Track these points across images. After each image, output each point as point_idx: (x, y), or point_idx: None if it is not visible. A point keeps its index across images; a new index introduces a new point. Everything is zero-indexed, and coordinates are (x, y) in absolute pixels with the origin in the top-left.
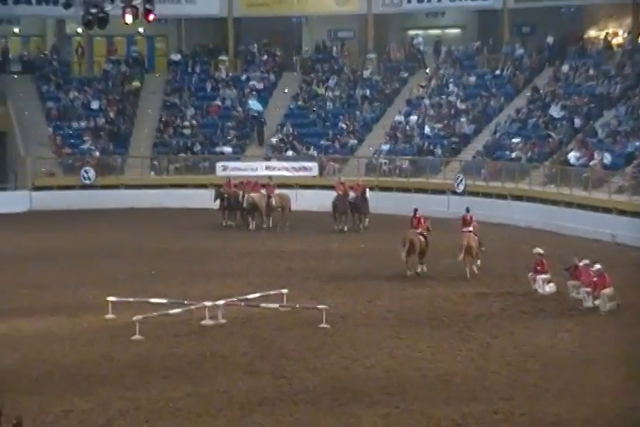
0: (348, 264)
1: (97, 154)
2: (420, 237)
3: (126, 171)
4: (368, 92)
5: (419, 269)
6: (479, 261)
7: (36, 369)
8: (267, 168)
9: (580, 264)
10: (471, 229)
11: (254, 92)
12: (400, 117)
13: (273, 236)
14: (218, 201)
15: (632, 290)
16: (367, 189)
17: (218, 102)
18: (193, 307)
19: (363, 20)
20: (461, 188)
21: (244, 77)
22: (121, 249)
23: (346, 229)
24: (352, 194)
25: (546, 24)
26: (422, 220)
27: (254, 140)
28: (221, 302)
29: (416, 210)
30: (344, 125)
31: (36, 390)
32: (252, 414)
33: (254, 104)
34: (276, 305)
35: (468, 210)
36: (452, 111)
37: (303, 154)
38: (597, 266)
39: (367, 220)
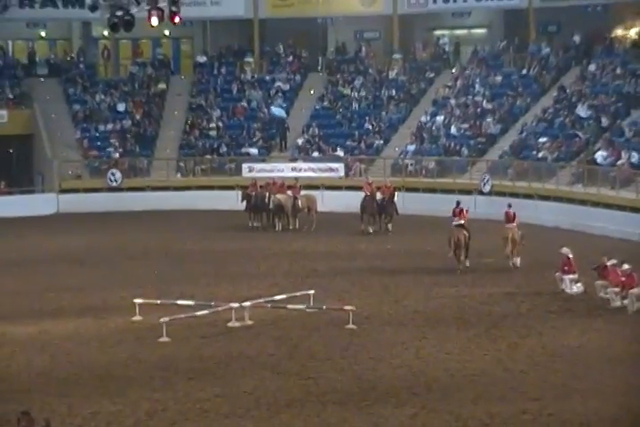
0: (374, 265)
1: (117, 155)
2: (465, 233)
3: (152, 173)
4: (394, 93)
5: (467, 264)
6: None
7: (64, 371)
8: (293, 169)
9: (608, 264)
10: (514, 224)
11: (279, 94)
12: (426, 118)
13: (299, 237)
14: (244, 202)
15: None
16: (396, 193)
17: (243, 104)
18: (220, 308)
19: (388, 21)
20: (488, 188)
21: (269, 78)
22: (147, 251)
23: (371, 230)
24: (379, 195)
25: (572, 23)
26: (465, 211)
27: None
28: (248, 303)
29: (458, 202)
30: (370, 126)
31: (64, 392)
32: (280, 414)
33: (277, 110)
34: (303, 306)
35: (509, 206)
36: (479, 111)
37: (329, 155)
38: (625, 266)
39: (390, 224)
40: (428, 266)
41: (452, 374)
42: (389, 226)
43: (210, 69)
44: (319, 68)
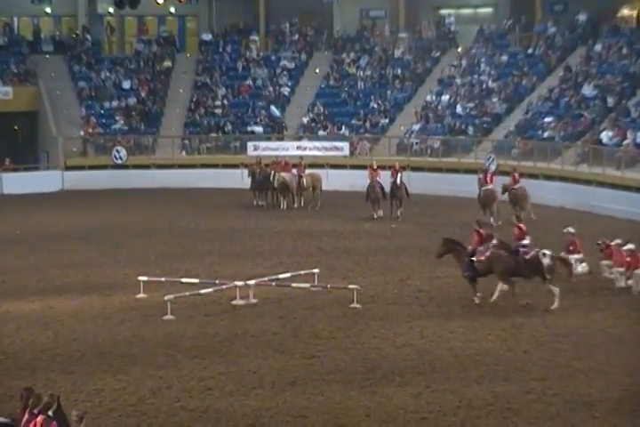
0: (378, 244)
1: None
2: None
3: (157, 151)
4: (399, 72)
5: (499, 222)
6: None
7: (68, 348)
8: (297, 148)
9: (613, 244)
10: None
11: (285, 72)
12: (431, 97)
13: (304, 215)
14: (250, 180)
15: None
16: (399, 174)
17: (249, 82)
18: (224, 287)
19: None
20: (493, 167)
21: (274, 57)
22: (152, 229)
23: (375, 216)
24: (390, 179)
25: (578, 2)
26: (492, 177)
27: (285, 120)
28: (252, 281)
29: (486, 170)
30: (375, 105)
31: (68, 369)
32: (284, 393)
33: (274, 111)
34: (307, 285)
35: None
36: (484, 91)
37: (334, 134)
38: (630, 246)
39: (400, 210)
40: (432, 245)
41: (456, 353)
42: (399, 212)
43: (215, 47)
44: (325, 46)
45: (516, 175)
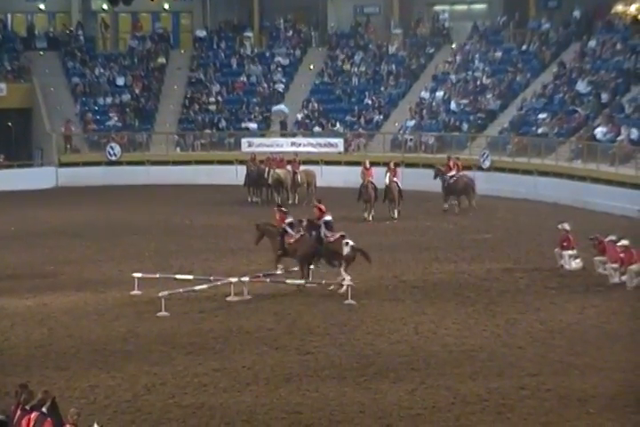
0: (373, 240)
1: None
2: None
3: (152, 147)
4: (394, 68)
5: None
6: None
7: (62, 344)
8: (292, 144)
9: (607, 240)
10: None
11: (279, 69)
12: (426, 93)
13: (298, 212)
14: (244, 177)
15: None
16: (393, 174)
17: (243, 78)
18: (218, 283)
19: None
20: (487, 164)
21: (268, 53)
22: (146, 225)
23: (367, 217)
24: (387, 180)
25: None
26: (457, 163)
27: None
28: (247, 278)
29: (449, 157)
30: (369, 101)
31: (62, 366)
32: (278, 389)
33: (281, 109)
34: (302, 281)
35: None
36: (478, 87)
37: (328, 130)
38: (624, 242)
39: (396, 210)
40: (427, 242)
41: (450, 349)
42: (396, 212)
43: (209, 44)
44: (319, 43)
45: (451, 163)
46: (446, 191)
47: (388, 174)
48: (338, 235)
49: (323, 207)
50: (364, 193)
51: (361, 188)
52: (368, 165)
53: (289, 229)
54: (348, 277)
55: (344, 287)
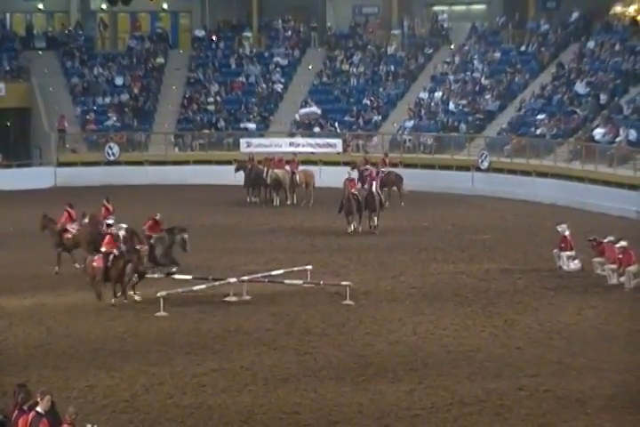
0: (371, 241)
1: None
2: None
3: (150, 147)
4: (392, 68)
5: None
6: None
7: (61, 344)
8: (291, 144)
9: (605, 241)
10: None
11: (278, 69)
12: (424, 94)
13: (297, 212)
14: (242, 175)
15: None
16: (374, 182)
17: (242, 78)
18: (217, 283)
19: None
20: (486, 164)
21: (267, 54)
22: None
23: (349, 230)
24: (373, 187)
25: None
26: (388, 160)
27: (278, 117)
28: (245, 278)
29: (386, 153)
30: (368, 102)
31: (61, 365)
32: (277, 389)
33: (315, 109)
34: (300, 282)
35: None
36: (477, 87)
37: (327, 130)
38: (622, 243)
39: (375, 220)
40: (425, 242)
41: (448, 350)
42: (375, 223)
43: (208, 44)
44: (318, 43)
45: (386, 161)
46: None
47: (374, 183)
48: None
49: (111, 208)
50: (346, 205)
51: (342, 199)
52: (352, 176)
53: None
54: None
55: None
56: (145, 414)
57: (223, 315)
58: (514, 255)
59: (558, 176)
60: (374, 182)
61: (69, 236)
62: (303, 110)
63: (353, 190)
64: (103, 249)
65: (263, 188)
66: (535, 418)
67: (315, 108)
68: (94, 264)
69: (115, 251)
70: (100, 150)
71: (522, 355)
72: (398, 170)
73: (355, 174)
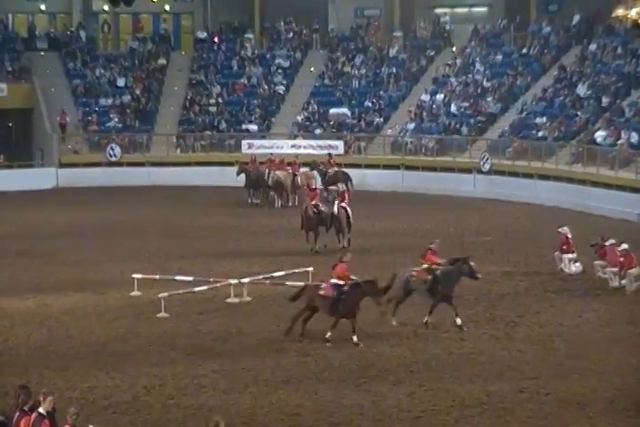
0: (373, 242)
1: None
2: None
3: (152, 148)
4: (394, 71)
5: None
6: None
7: (62, 345)
8: (292, 146)
9: (607, 244)
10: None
11: (279, 71)
12: (426, 96)
13: (298, 214)
14: (243, 178)
15: None
16: (346, 196)
17: (244, 80)
18: (218, 284)
19: None
20: (487, 167)
21: (269, 55)
22: (146, 226)
23: (313, 249)
24: (334, 208)
25: (573, 2)
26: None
27: (280, 118)
28: (247, 279)
29: (330, 154)
30: (370, 104)
31: (62, 366)
32: (277, 391)
33: (345, 110)
34: (302, 283)
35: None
36: (479, 90)
37: (329, 132)
38: (624, 246)
39: (347, 239)
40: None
41: (450, 352)
42: (345, 242)
43: (210, 45)
44: (319, 45)
45: (332, 161)
46: (327, 183)
47: (337, 201)
48: None
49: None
50: (305, 219)
51: (301, 213)
52: (314, 185)
53: None
54: None
55: None
56: (146, 416)
57: (224, 316)
58: (515, 258)
59: (560, 179)
60: (337, 200)
61: None
62: (333, 110)
63: (314, 202)
64: None
65: (264, 189)
66: (536, 421)
67: (345, 110)
68: None
69: None
70: (101, 151)
71: (523, 357)
72: (398, 171)
73: (316, 174)
